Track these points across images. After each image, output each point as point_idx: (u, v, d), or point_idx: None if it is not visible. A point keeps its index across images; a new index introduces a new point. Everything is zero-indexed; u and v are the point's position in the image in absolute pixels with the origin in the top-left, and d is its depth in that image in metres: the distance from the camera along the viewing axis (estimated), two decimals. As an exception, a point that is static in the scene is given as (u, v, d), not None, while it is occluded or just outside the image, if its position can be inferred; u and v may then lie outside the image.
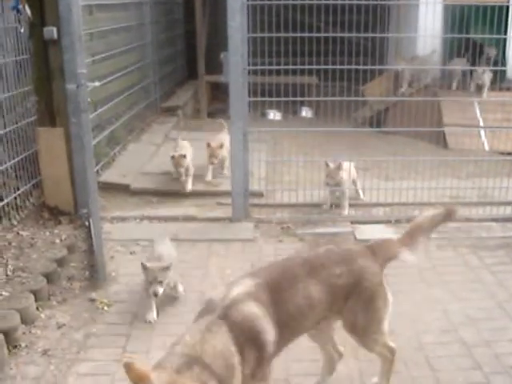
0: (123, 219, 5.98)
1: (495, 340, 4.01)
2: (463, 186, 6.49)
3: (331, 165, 6.03)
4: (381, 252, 3.25)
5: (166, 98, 10.50)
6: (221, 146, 6.80)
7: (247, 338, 2.70)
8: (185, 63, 12.71)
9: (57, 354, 3.87)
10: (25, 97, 5.78)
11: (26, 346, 3.95)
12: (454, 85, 9.75)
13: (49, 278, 4.62)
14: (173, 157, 6.56)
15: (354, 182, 6.44)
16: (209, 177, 6.85)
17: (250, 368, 2.72)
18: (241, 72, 5.48)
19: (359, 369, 3.72)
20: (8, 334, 3.85)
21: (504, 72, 9.43)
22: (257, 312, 2.78)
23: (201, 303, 3.11)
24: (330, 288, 3.04)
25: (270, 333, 2.79)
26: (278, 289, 2.93)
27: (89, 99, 4.40)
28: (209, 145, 6.78)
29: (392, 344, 3.33)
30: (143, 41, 9.53)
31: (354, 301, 3.12)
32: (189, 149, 6.82)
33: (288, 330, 2.94)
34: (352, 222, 5.98)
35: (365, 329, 3.21)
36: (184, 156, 6.49)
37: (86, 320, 4.27)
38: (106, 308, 4.43)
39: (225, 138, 6.91)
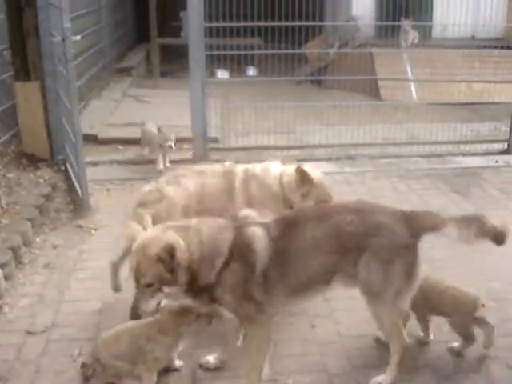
0: (95, 163, 6.65)
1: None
2: (393, 130, 7.43)
3: None
4: (418, 220, 3.09)
5: (120, 60, 11.09)
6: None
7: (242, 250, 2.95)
8: (134, 27, 13.26)
9: (57, 266, 4.58)
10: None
11: (29, 261, 4.65)
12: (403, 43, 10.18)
13: (39, 209, 5.30)
14: None
15: None
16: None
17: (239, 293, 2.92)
18: (199, 28, 6.18)
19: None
20: (13, 251, 4.53)
21: (430, 30, 10.44)
22: (259, 236, 2.97)
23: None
24: (338, 233, 3.01)
25: (263, 257, 2.94)
26: (288, 226, 3.06)
27: (72, 50, 5.04)
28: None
29: (405, 336, 3.19)
30: (98, 5, 10.07)
31: (367, 258, 3.00)
32: None
33: (292, 268, 3.01)
34: (297, 160, 6.81)
35: (378, 293, 3.05)
36: None
37: (77, 241, 4.99)
38: (92, 231, 5.15)
39: None
